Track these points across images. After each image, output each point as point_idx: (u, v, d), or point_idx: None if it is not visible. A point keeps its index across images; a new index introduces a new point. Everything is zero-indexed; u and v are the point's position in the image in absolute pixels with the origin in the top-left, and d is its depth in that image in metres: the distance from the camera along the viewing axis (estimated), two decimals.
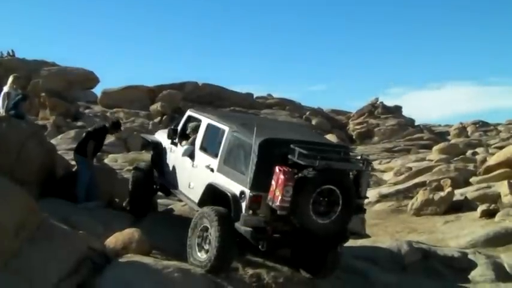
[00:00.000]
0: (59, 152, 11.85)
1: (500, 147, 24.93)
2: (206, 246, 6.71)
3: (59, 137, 28.79)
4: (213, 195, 7.00)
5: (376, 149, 38.33)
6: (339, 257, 7.34)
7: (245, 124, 7.21)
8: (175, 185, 8.27)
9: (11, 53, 46.28)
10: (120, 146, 28.38)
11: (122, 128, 12.37)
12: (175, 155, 8.39)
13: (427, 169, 21.30)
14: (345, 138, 42.08)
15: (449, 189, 15.91)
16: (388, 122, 46.27)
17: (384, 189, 19.25)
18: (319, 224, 6.41)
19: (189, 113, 8.64)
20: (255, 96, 50.74)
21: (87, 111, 39.62)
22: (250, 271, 7.05)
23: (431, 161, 26.22)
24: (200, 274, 6.40)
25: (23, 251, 5.68)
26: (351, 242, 8.11)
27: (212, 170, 7.17)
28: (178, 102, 41.37)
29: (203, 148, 7.68)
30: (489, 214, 13.64)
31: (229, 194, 6.61)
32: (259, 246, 6.42)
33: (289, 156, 6.37)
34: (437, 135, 44.70)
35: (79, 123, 34.08)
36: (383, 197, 17.97)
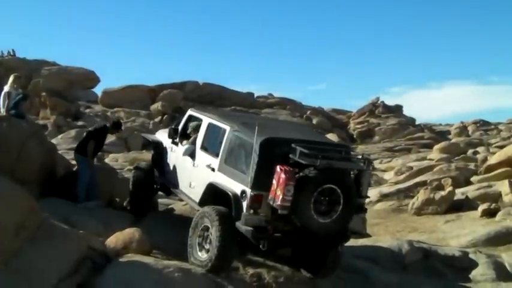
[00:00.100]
0: (60, 152, 11.84)
1: (501, 147, 24.94)
2: (207, 246, 6.70)
3: (60, 136, 28.82)
4: (213, 194, 6.99)
5: (377, 148, 38.31)
6: (340, 256, 7.33)
7: (246, 123, 7.20)
8: (176, 185, 8.27)
9: (11, 53, 46.28)
10: (120, 145, 28.40)
11: (123, 128, 12.37)
12: (176, 155, 8.38)
13: (428, 168, 21.28)
14: (346, 137, 42.04)
15: (450, 188, 15.90)
16: (389, 121, 46.18)
17: (385, 189, 19.25)
18: (320, 223, 6.40)
19: (189, 112, 8.63)
20: (255, 96, 50.75)
21: (87, 110, 39.64)
22: (250, 271, 7.04)
23: (432, 160, 26.25)
24: (201, 274, 6.39)
25: (24, 250, 5.68)
26: (352, 242, 8.09)
27: (213, 170, 7.16)
28: (179, 102, 41.33)
29: (204, 147, 7.67)
30: (490, 213, 13.65)
31: (230, 193, 6.60)
32: (260, 246, 6.43)
33: (290, 156, 6.36)
34: (438, 134, 44.63)
35: (79, 123, 34.11)
36: (384, 197, 17.98)
